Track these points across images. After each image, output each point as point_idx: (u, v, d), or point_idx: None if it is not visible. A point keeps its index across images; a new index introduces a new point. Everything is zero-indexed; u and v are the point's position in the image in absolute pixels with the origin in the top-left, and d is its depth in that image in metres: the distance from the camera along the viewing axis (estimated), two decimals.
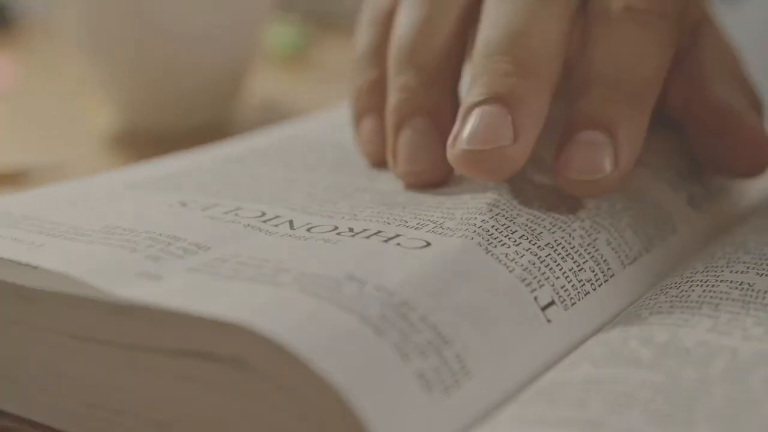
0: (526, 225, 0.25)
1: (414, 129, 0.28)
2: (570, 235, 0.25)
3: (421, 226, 0.24)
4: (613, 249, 0.26)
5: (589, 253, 0.25)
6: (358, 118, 0.31)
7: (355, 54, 0.32)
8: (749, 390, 0.19)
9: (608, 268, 0.25)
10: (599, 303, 0.24)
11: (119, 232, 0.24)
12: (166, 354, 0.21)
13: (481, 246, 0.23)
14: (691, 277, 0.25)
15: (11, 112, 0.57)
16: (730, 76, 0.31)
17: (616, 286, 0.25)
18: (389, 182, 0.28)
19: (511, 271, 0.23)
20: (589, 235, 0.25)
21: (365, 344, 0.19)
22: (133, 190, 0.29)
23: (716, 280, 0.24)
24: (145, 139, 0.48)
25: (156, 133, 0.49)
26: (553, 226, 0.25)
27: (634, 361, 0.20)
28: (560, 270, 0.24)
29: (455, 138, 0.25)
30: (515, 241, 0.24)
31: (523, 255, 0.24)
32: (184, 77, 0.48)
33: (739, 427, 0.18)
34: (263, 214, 0.26)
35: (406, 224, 0.25)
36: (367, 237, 0.24)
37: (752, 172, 0.30)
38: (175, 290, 0.21)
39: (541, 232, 0.25)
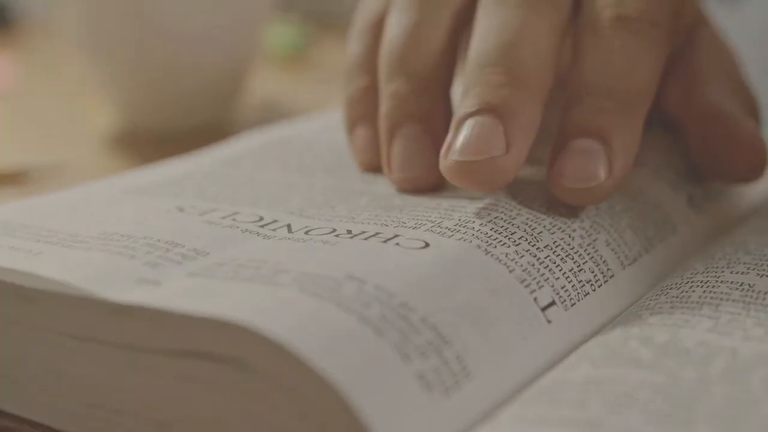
0: (526, 225, 0.25)
1: (406, 136, 0.28)
2: (570, 236, 0.25)
3: (419, 226, 0.24)
4: (612, 250, 0.26)
5: (588, 254, 0.25)
6: (351, 126, 0.31)
7: (346, 62, 0.32)
8: (749, 390, 0.19)
9: (608, 269, 0.25)
10: (599, 303, 0.24)
11: (117, 238, 0.24)
12: (166, 354, 0.21)
13: (480, 247, 0.23)
14: (691, 277, 0.25)
15: (11, 112, 0.57)
16: (726, 78, 0.31)
17: (616, 286, 0.25)
18: (386, 185, 0.28)
19: (511, 272, 0.23)
20: (588, 236, 0.25)
21: (365, 344, 0.19)
22: (131, 195, 0.29)
23: (716, 281, 0.24)
24: (145, 139, 0.48)
25: (156, 133, 0.49)
26: (553, 226, 0.25)
27: (634, 362, 0.21)
28: (560, 270, 0.24)
29: (448, 149, 0.25)
30: (515, 241, 0.24)
31: (523, 255, 0.24)
32: (184, 77, 0.48)
33: (738, 428, 0.18)
34: (261, 218, 0.26)
35: (404, 225, 0.25)
36: (366, 238, 0.24)
37: (748, 177, 0.30)
38: (174, 293, 0.21)
39: (540, 233, 0.25)
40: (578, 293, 0.24)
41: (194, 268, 0.22)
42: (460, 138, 0.25)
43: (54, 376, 0.23)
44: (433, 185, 0.27)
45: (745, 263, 0.25)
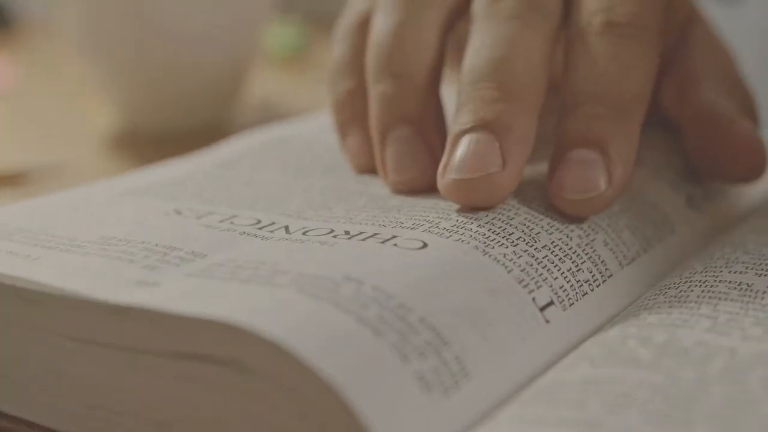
0: (524, 226, 0.25)
1: (398, 139, 0.28)
2: (567, 236, 0.25)
3: (417, 226, 0.24)
4: (610, 250, 0.26)
5: (586, 254, 0.25)
6: (341, 130, 0.31)
7: (330, 65, 0.32)
8: (748, 390, 0.19)
9: (606, 269, 0.25)
10: (597, 303, 0.24)
11: (115, 243, 0.24)
12: (166, 355, 0.21)
13: (478, 248, 0.23)
14: (689, 277, 0.25)
15: (11, 112, 0.57)
16: (721, 77, 0.31)
17: (614, 286, 0.25)
18: (384, 185, 0.28)
19: (509, 272, 0.23)
20: (586, 236, 0.25)
21: (364, 345, 0.19)
22: (129, 197, 0.29)
23: (715, 281, 0.24)
24: (145, 139, 0.49)
25: (156, 133, 0.49)
26: (551, 227, 0.25)
27: (632, 362, 0.21)
28: (558, 271, 0.24)
29: (444, 168, 0.25)
30: (513, 242, 0.24)
31: (521, 256, 0.24)
32: (184, 77, 0.48)
33: (737, 427, 0.18)
34: (258, 221, 0.26)
35: (402, 225, 0.25)
36: (364, 239, 0.24)
37: (747, 177, 0.29)
38: (173, 295, 0.21)
39: (538, 233, 0.25)
40: (576, 293, 0.24)
41: (192, 269, 0.22)
42: (456, 156, 0.25)
43: (54, 377, 0.23)
44: (428, 186, 0.27)
45: (743, 263, 0.25)
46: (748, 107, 0.31)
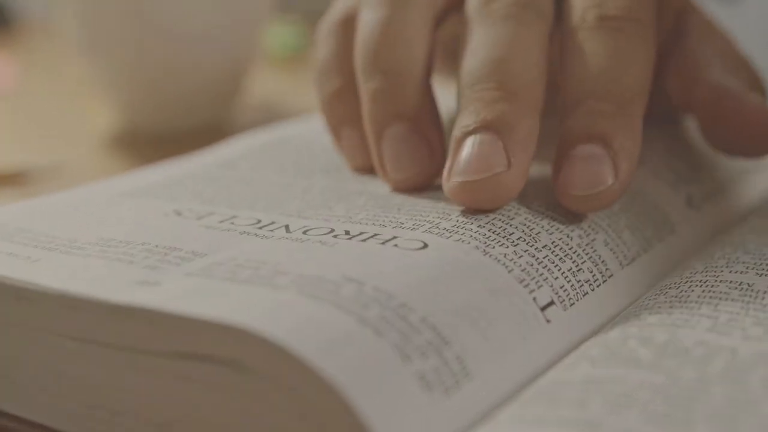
0: (524, 226, 0.25)
1: (393, 137, 0.28)
2: (568, 236, 0.25)
3: (417, 227, 0.24)
4: (611, 249, 0.26)
5: (587, 254, 0.25)
6: (334, 131, 0.31)
7: (316, 66, 0.31)
8: (748, 390, 0.19)
9: (606, 269, 0.25)
10: (598, 303, 0.24)
11: (115, 244, 0.24)
12: (166, 356, 0.21)
13: (478, 248, 0.23)
14: (690, 277, 0.25)
15: (11, 112, 0.57)
16: (725, 58, 0.31)
17: (615, 286, 0.25)
18: (383, 184, 0.28)
19: (509, 272, 0.23)
20: (587, 236, 0.25)
21: (365, 345, 0.19)
22: (129, 198, 0.29)
23: (715, 281, 0.24)
24: (145, 140, 0.49)
25: (156, 133, 0.49)
26: (551, 227, 0.25)
27: (633, 362, 0.21)
28: (559, 270, 0.24)
29: (449, 171, 0.25)
30: (513, 242, 0.24)
31: (522, 256, 0.24)
32: (184, 77, 0.48)
33: (738, 427, 0.18)
34: (259, 221, 0.26)
35: (402, 226, 0.25)
36: (364, 240, 0.24)
37: (764, 152, 0.29)
38: (174, 294, 0.21)
39: (539, 233, 0.25)
40: (577, 293, 0.24)
41: (193, 269, 0.22)
42: (461, 158, 0.25)
43: (54, 377, 0.23)
44: (427, 183, 0.27)
45: (744, 263, 0.25)
46: (756, 83, 0.31)
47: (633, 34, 0.27)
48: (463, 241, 0.24)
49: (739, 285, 0.24)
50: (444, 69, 0.34)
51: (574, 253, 0.25)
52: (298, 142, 0.34)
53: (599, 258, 0.25)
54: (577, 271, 0.24)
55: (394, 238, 0.24)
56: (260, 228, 0.25)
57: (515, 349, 0.22)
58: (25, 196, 0.32)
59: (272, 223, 0.26)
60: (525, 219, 0.25)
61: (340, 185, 0.29)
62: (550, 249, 0.24)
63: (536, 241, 0.24)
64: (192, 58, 0.48)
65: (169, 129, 0.49)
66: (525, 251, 0.24)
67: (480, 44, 0.27)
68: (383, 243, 0.24)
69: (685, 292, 0.24)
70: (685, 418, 0.18)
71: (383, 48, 0.28)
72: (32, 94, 0.62)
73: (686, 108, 0.31)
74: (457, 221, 0.25)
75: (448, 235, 0.24)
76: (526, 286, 0.23)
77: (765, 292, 0.23)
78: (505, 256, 0.23)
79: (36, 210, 0.28)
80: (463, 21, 0.29)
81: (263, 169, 0.31)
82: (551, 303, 0.23)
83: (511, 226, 0.25)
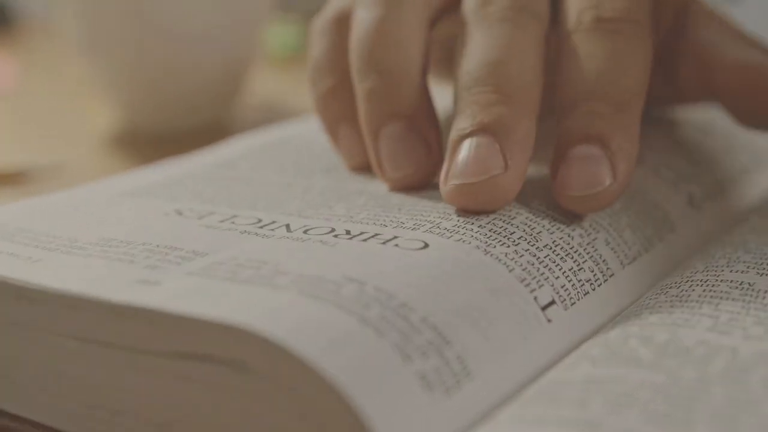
0: (525, 225, 0.25)
1: (390, 136, 0.28)
2: (569, 235, 0.25)
3: (418, 227, 0.24)
4: (612, 249, 0.26)
5: (588, 253, 0.25)
6: (330, 130, 0.31)
7: (310, 64, 0.31)
8: (749, 390, 0.19)
9: (607, 268, 0.25)
10: (599, 303, 0.24)
11: (116, 244, 0.24)
12: (167, 356, 0.21)
13: (479, 248, 0.23)
14: (691, 276, 0.25)
15: (11, 112, 0.57)
16: (734, 37, 0.31)
17: (616, 285, 0.25)
18: (384, 184, 0.28)
19: (510, 271, 0.23)
20: (588, 235, 0.25)
21: (366, 345, 0.19)
22: (128, 198, 0.29)
23: (716, 280, 0.24)
24: (145, 139, 0.49)
25: (156, 133, 0.49)
26: (552, 226, 0.25)
27: (633, 361, 0.21)
28: (560, 270, 0.24)
29: (446, 174, 0.25)
30: (514, 241, 0.24)
31: (522, 255, 0.24)
32: (184, 77, 0.48)
33: (738, 427, 0.18)
34: (259, 220, 0.26)
35: (403, 225, 0.25)
36: (365, 240, 0.24)
37: None
38: (174, 294, 0.21)
39: (540, 232, 0.25)
40: (578, 292, 0.24)
41: (193, 268, 0.22)
42: (458, 161, 0.25)
43: (54, 377, 0.23)
44: (424, 181, 0.27)
45: (744, 262, 0.25)
46: None
47: (630, 36, 0.27)
48: (463, 241, 0.24)
49: (740, 284, 0.24)
50: (439, 70, 0.34)
51: (575, 252, 0.25)
52: (298, 142, 0.34)
53: (600, 257, 0.25)
54: (578, 270, 0.24)
55: (395, 237, 0.24)
56: (261, 227, 0.25)
57: (516, 349, 0.22)
58: (25, 196, 0.32)
59: (273, 222, 0.26)
60: (526, 218, 0.25)
61: (340, 185, 0.29)
62: (551, 248, 0.24)
63: (537, 241, 0.24)
64: (192, 58, 0.48)
65: (169, 129, 0.49)
66: (526, 251, 0.24)
67: (476, 47, 0.27)
68: (384, 243, 0.24)
69: (686, 291, 0.24)
70: (685, 417, 0.18)
71: (378, 47, 0.28)
72: (32, 94, 0.62)
73: (710, 97, 0.31)
74: (458, 221, 0.25)
75: (449, 234, 0.24)
76: (527, 285, 0.23)
77: (766, 292, 0.23)
78: (506, 256, 0.23)
79: (36, 210, 0.28)
80: (458, 22, 0.29)
81: (263, 169, 0.31)
82: (552, 302, 0.23)
83: (512, 225, 0.25)
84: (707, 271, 0.25)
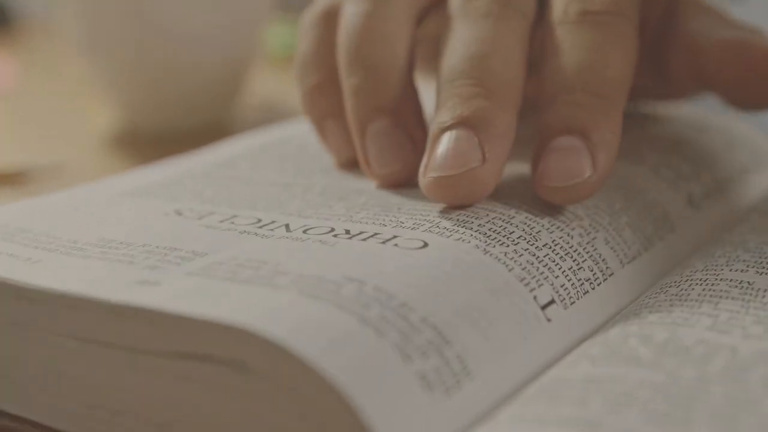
0: (524, 225, 0.25)
1: (377, 133, 0.28)
2: (568, 235, 0.25)
3: (417, 226, 0.24)
4: (611, 248, 0.26)
5: (587, 252, 0.25)
6: (318, 125, 0.31)
7: (297, 60, 0.31)
8: (748, 389, 0.19)
9: (607, 267, 0.25)
10: (599, 302, 0.24)
11: (116, 245, 0.24)
12: (166, 356, 0.21)
13: (479, 247, 0.23)
14: (690, 275, 0.25)
15: (11, 112, 0.57)
16: (726, 21, 0.31)
17: (616, 285, 0.25)
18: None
19: (510, 271, 0.23)
20: (587, 234, 0.25)
21: (366, 345, 0.19)
22: (128, 198, 0.29)
23: (716, 279, 0.24)
24: (145, 139, 0.49)
25: (156, 133, 0.49)
26: (552, 225, 0.25)
27: (633, 360, 0.21)
28: (559, 269, 0.24)
29: (425, 167, 0.25)
30: (513, 240, 0.24)
31: (522, 254, 0.24)
32: (184, 77, 0.48)
33: (738, 427, 0.18)
34: (259, 220, 0.26)
35: (403, 225, 0.25)
36: (364, 239, 0.24)
37: None
38: (174, 294, 0.21)
39: (539, 232, 0.25)
40: (578, 291, 0.24)
41: (193, 268, 0.22)
42: (437, 154, 0.25)
43: (54, 377, 0.23)
44: (412, 177, 0.27)
45: (744, 261, 0.25)
46: (759, 33, 0.30)
47: (615, 29, 0.27)
48: (463, 240, 0.24)
49: (740, 283, 0.24)
50: (426, 66, 0.34)
51: (574, 251, 0.25)
52: (298, 141, 0.34)
53: (600, 256, 0.25)
54: (578, 269, 0.24)
55: (395, 237, 0.24)
56: (260, 227, 0.25)
57: (516, 349, 0.22)
58: (25, 196, 0.32)
59: (272, 222, 0.26)
60: (525, 218, 0.25)
61: (340, 184, 0.29)
62: (550, 248, 0.24)
63: (537, 240, 0.24)
64: (192, 58, 0.48)
65: (169, 129, 0.49)
66: (525, 250, 0.24)
67: (459, 41, 0.27)
68: (384, 242, 0.24)
69: (686, 290, 0.24)
70: (685, 417, 0.18)
71: (365, 43, 0.28)
72: (32, 94, 0.62)
73: (702, 87, 0.31)
74: (458, 220, 0.25)
75: (449, 234, 0.24)
76: (527, 284, 0.23)
77: (765, 291, 0.23)
78: (505, 255, 0.23)
79: (36, 210, 0.28)
80: (445, 18, 0.29)
81: (263, 169, 0.31)
82: (552, 302, 0.23)
83: (511, 224, 0.25)
84: (707, 270, 0.25)
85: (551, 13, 0.28)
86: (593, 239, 0.25)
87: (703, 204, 0.30)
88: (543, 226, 0.25)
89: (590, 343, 0.22)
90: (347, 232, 0.24)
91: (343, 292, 0.21)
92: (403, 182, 0.28)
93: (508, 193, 0.26)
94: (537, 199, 0.26)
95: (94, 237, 0.25)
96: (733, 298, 0.23)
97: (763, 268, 0.24)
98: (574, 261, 0.24)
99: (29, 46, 0.82)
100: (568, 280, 0.24)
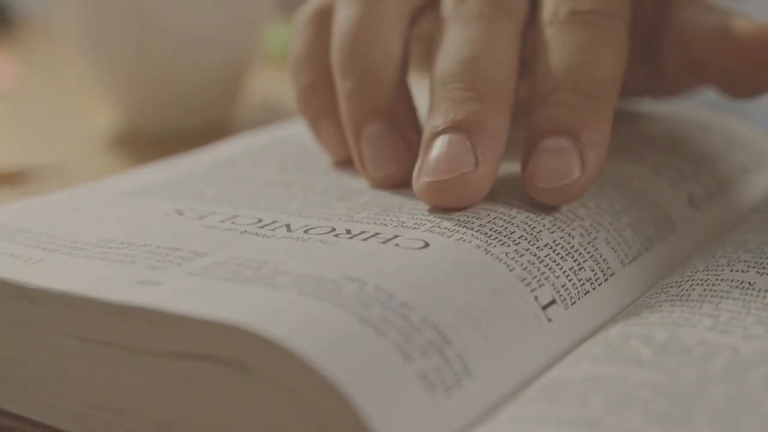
0: (525, 225, 0.25)
1: (371, 135, 0.28)
2: (569, 235, 0.25)
3: (418, 226, 0.24)
4: (612, 248, 0.26)
5: (588, 252, 0.25)
6: (312, 124, 0.31)
7: (290, 59, 0.31)
8: (749, 389, 0.19)
9: (608, 267, 0.25)
10: (599, 302, 0.24)
11: (116, 245, 0.24)
12: (167, 356, 0.21)
13: (480, 247, 0.23)
14: (691, 276, 0.25)
15: (11, 112, 0.57)
16: (713, 9, 0.31)
17: (616, 285, 0.25)
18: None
19: (511, 271, 0.23)
20: (588, 234, 0.25)
21: (366, 345, 0.19)
22: (128, 198, 0.29)
23: (717, 279, 0.24)
24: (146, 139, 0.49)
25: (156, 133, 0.49)
26: (552, 225, 0.25)
27: (634, 360, 0.21)
28: (560, 269, 0.24)
29: (419, 171, 0.25)
30: (514, 240, 0.24)
31: (523, 254, 0.24)
32: (184, 77, 0.48)
33: (738, 427, 0.18)
34: (260, 220, 0.26)
35: (404, 225, 0.25)
36: (365, 239, 0.24)
37: None
38: (175, 294, 0.21)
39: (540, 232, 0.25)
40: (578, 292, 0.24)
41: (194, 268, 0.22)
42: (430, 159, 0.25)
43: (54, 376, 0.23)
44: (407, 179, 0.27)
45: (745, 261, 0.25)
46: (747, 18, 0.31)
47: (605, 28, 0.27)
48: (464, 240, 0.24)
49: (740, 284, 0.24)
50: (420, 67, 0.34)
51: (575, 251, 0.25)
52: (298, 141, 0.34)
53: (601, 256, 0.25)
54: (579, 269, 0.24)
55: (396, 237, 0.24)
56: (261, 227, 0.25)
57: (516, 349, 0.22)
58: (25, 196, 0.32)
59: (273, 222, 0.26)
60: (526, 218, 0.25)
61: (340, 184, 0.29)
62: (551, 248, 0.24)
63: (537, 240, 0.24)
64: (192, 58, 0.48)
65: (169, 129, 0.49)
66: (526, 250, 0.24)
67: (452, 43, 0.27)
68: (384, 242, 0.24)
69: (686, 290, 0.24)
70: (685, 417, 0.18)
71: (358, 43, 0.28)
72: (32, 94, 0.62)
73: (697, 80, 0.31)
74: (458, 220, 0.25)
75: (450, 234, 0.24)
76: (528, 284, 0.23)
77: (766, 291, 0.23)
78: (506, 255, 0.23)
79: (36, 210, 0.28)
80: (438, 19, 0.29)
81: (264, 169, 0.31)
82: (552, 302, 0.23)
83: (512, 224, 0.25)
84: (708, 270, 0.25)
85: (542, 14, 0.28)
86: (594, 239, 0.25)
87: (704, 204, 0.30)
88: (544, 226, 0.25)
89: (591, 343, 0.22)
90: (348, 231, 0.24)
91: (343, 292, 0.21)
92: (399, 184, 0.28)
93: (509, 193, 0.26)
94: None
95: (95, 237, 0.25)
96: (734, 299, 0.23)
97: (764, 268, 0.24)
98: (575, 261, 0.24)
99: (29, 46, 0.82)
100: (569, 280, 0.24)
